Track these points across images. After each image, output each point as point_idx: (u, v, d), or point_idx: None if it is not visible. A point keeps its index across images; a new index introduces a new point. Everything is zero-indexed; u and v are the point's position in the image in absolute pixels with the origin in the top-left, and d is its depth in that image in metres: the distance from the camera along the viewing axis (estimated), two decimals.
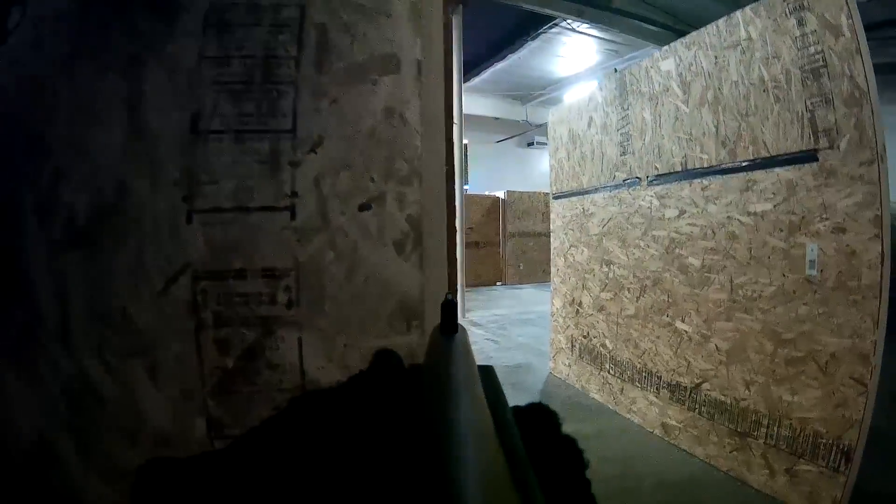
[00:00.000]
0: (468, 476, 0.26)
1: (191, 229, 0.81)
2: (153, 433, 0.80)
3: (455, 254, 0.96)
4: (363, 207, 0.86)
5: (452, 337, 0.53)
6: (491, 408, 0.39)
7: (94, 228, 0.79)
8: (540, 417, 0.46)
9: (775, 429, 2.24)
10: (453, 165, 0.98)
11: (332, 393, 0.79)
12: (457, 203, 7.21)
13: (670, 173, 2.92)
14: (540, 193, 10.97)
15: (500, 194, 11.31)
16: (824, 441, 2.02)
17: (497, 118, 12.53)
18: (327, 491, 0.68)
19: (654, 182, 3.06)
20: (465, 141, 7.93)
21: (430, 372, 0.46)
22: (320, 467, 0.68)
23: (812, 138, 2.05)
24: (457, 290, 0.93)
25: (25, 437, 0.78)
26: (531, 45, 8.48)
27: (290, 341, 0.83)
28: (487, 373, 0.49)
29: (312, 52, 0.85)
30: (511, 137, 13.84)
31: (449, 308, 0.55)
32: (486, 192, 11.53)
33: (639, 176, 3.21)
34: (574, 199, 4.05)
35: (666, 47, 2.91)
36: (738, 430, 2.44)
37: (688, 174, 2.79)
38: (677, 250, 2.86)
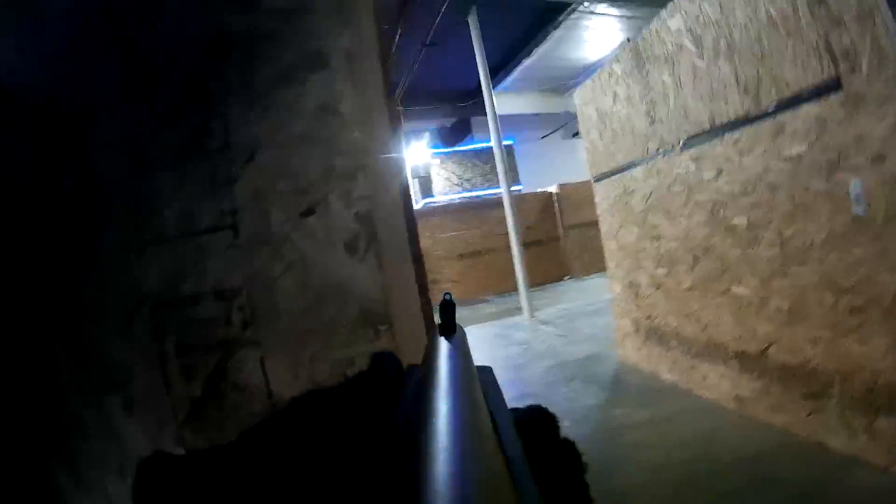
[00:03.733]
0: (467, 477, 0.26)
1: (143, 261, 0.84)
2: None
3: (420, 248, 0.95)
4: (306, 213, 0.85)
5: (451, 337, 0.52)
6: (490, 409, 0.39)
7: (61, 271, 0.83)
8: (539, 420, 0.45)
9: (849, 385, 2.04)
10: (401, 154, 0.96)
11: (332, 392, 0.80)
12: (506, 203, 7.15)
13: (700, 133, 2.78)
14: (592, 182, 10.72)
15: (553, 189, 11.13)
16: None
17: (537, 114, 12.35)
18: (326, 489, 0.69)
19: (687, 146, 2.92)
20: (508, 142, 7.87)
21: (429, 373, 0.45)
22: (320, 465, 0.69)
23: (832, 65, 1.89)
24: (426, 287, 0.91)
25: (25, 471, 0.83)
26: (555, 35, 8.33)
27: (252, 362, 0.82)
28: (487, 374, 0.49)
29: (238, 64, 0.85)
30: (555, 131, 13.61)
31: (447, 308, 0.55)
32: (539, 190, 11.40)
33: (671, 142, 3.06)
34: (614, 178, 3.93)
35: (670, 4, 2.78)
36: (812, 391, 2.25)
37: (717, 131, 2.64)
38: (721, 212, 2.70)
